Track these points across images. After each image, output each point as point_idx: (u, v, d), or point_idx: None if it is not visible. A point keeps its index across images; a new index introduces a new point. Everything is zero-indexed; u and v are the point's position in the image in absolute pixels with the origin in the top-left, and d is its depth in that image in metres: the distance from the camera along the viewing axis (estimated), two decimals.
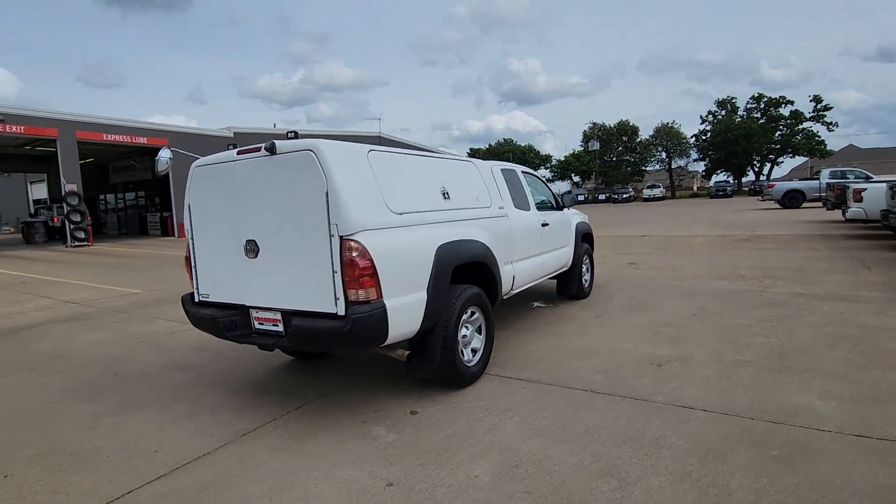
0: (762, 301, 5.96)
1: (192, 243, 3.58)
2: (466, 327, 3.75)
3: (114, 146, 21.41)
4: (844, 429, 2.82)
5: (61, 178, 19.66)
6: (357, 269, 2.81)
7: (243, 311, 3.36)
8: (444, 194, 3.70)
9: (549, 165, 65.08)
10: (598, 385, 3.64)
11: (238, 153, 3.25)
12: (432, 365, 3.39)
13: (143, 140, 21.51)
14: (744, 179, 53.54)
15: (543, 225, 5.28)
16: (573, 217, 6.35)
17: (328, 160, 2.85)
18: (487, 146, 65.89)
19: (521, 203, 5.04)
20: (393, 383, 3.84)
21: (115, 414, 3.54)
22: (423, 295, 3.22)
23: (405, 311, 3.09)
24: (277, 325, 3.18)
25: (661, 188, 48.14)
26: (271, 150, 3.01)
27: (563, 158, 62.88)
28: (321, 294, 2.93)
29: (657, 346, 4.49)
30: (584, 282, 6.55)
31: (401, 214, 3.18)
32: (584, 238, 6.63)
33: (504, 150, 62.61)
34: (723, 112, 53.76)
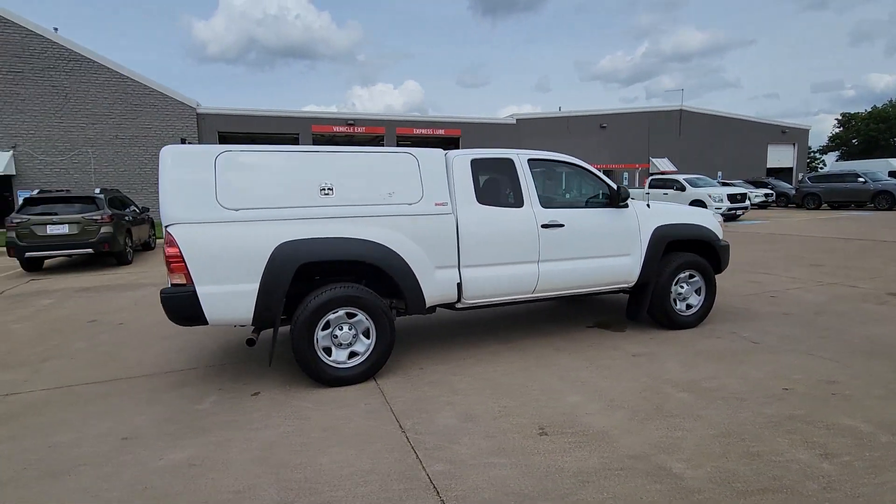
0: None
1: None
2: (341, 328, 3.65)
3: (420, 138, 26.43)
4: None
5: None
6: (167, 256, 3.29)
7: None
8: (323, 190, 3.63)
9: None
10: (425, 429, 2.98)
11: None
12: (270, 354, 3.55)
13: (441, 132, 25.81)
14: None
15: (547, 226, 4.22)
16: (647, 217, 4.66)
17: (164, 162, 3.38)
18: (870, 108, 48.31)
19: (504, 198, 4.20)
20: None
21: (163, 339, 5.09)
22: (254, 287, 3.40)
23: (227, 300, 3.37)
24: None
25: None
26: None
27: None
28: None
29: (612, 411, 3.14)
30: (678, 307, 4.78)
31: (237, 210, 3.41)
32: (674, 246, 4.78)
33: (892, 115, 44.65)
34: None
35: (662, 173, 25.75)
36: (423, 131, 25.55)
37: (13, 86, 19.79)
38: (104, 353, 4.66)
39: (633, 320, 4.97)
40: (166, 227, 3.34)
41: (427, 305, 3.92)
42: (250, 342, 3.56)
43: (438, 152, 4.09)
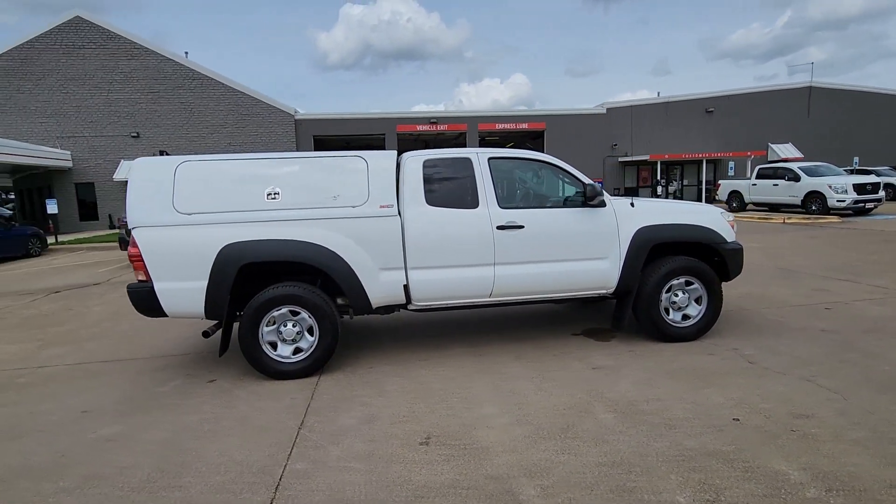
0: None
1: None
2: (285, 324, 3.85)
3: (503, 133, 26.07)
4: None
5: None
6: (129, 255, 3.74)
7: None
8: (269, 195, 3.84)
9: None
10: (321, 428, 3.07)
11: None
12: (221, 346, 3.87)
13: (524, 126, 25.25)
14: None
15: (504, 227, 4.02)
16: (628, 217, 4.20)
17: (133, 171, 3.83)
18: None
19: (457, 199, 4.07)
20: None
21: (182, 326, 5.74)
22: (203, 284, 3.73)
23: (180, 295, 3.74)
24: None
25: None
26: None
27: None
28: None
29: (515, 427, 2.96)
30: (671, 317, 4.28)
31: (189, 214, 3.74)
32: (665, 249, 4.26)
33: None
34: None
35: (784, 160, 22.56)
36: (506, 126, 25.21)
37: (151, 104, 23.31)
38: (132, 336, 5.40)
39: (616, 330, 4.54)
40: (131, 229, 3.80)
41: (373, 306, 3.99)
42: (205, 334, 3.92)
43: (390, 154, 4.11)
